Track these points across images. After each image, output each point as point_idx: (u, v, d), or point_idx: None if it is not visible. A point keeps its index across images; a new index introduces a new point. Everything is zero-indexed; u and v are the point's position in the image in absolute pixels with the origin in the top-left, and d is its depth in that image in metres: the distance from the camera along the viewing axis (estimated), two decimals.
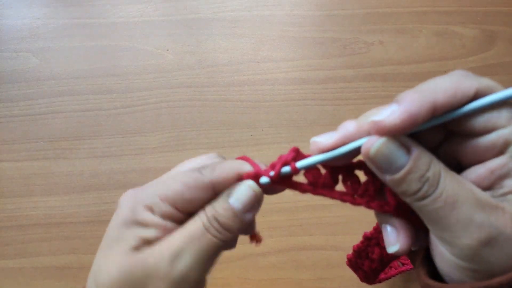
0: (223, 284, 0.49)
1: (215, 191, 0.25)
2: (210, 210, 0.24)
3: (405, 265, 0.45)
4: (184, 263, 0.23)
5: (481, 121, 0.20)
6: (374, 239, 0.33)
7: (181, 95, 0.58)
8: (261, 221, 0.49)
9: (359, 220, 0.51)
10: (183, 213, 0.25)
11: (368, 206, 0.24)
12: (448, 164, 0.21)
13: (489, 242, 0.19)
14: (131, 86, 0.58)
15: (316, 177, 0.25)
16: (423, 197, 0.20)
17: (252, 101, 0.57)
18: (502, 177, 0.20)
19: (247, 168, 0.25)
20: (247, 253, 0.50)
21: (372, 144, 0.21)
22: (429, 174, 0.20)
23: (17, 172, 0.55)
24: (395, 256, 0.29)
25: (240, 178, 0.25)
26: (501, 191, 0.20)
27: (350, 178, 0.25)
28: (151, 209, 0.24)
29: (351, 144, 0.22)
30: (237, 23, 0.61)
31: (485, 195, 0.20)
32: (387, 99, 0.57)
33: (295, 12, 0.61)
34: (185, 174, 0.25)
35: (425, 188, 0.20)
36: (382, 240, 0.25)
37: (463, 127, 0.21)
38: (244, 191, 0.24)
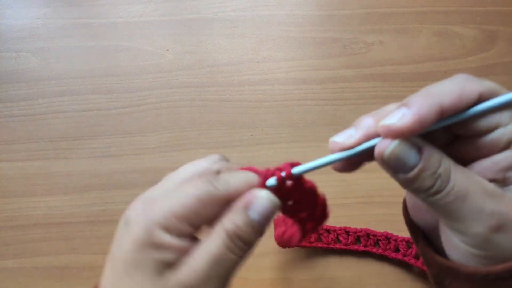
0: None
1: (229, 204, 0.24)
2: (230, 226, 0.23)
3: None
4: None
5: (484, 122, 0.21)
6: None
7: (181, 95, 0.58)
8: None
9: (359, 220, 0.51)
10: (195, 228, 0.24)
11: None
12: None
13: (500, 228, 0.21)
14: (131, 86, 0.58)
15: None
16: (436, 193, 0.21)
17: (252, 101, 0.57)
18: (506, 169, 0.21)
19: (256, 179, 0.25)
20: None
21: (385, 147, 0.21)
22: (441, 170, 0.21)
23: (17, 172, 0.55)
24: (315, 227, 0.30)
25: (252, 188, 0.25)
26: (505, 182, 0.22)
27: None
28: (167, 229, 0.23)
29: (366, 143, 0.22)
30: (237, 23, 0.61)
31: (492, 186, 0.21)
32: (387, 99, 0.57)
33: (295, 12, 0.61)
34: (196, 187, 0.24)
35: (438, 183, 0.21)
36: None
37: (468, 128, 0.22)
38: (264, 203, 0.24)
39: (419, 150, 0.21)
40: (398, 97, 0.57)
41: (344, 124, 0.56)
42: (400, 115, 0.21)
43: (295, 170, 0.24)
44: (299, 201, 0.26)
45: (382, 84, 0.58)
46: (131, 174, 0.54)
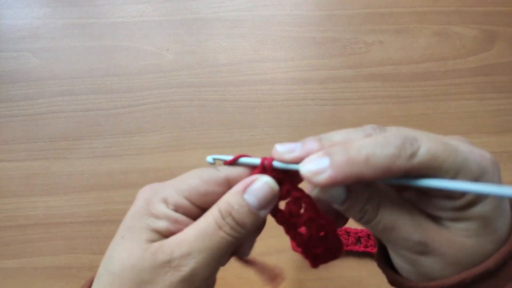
0: (223, 284, 0.49)
1: (230, 186, 0.25)
2: (224, 205, 0.24)
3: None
4: (194, 262, 0.23)
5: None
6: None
7: (181, 95, 0.58)
8: None
9: None
10: (199, 208, 0.25)
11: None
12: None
13: (424, 253, 0.23)
14: (131, 86, 0.58)
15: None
16: (366, 223, 0.23)
17: (252, 101, 0.57)
18: (442, 209, 0.23)
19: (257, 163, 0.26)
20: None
21: (311, 190, 0.23)
22: (367, 207, 0.23)
23: (17, 172, 0.55)
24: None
25: (252, 173, 0.25)
26: (441, 219, 0.23)
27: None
28: (165, 201, 0.24)
29: (296, 166, 0.23)
30: (237, 23, 0.61)
31: (423, 219, 0.23)
32: (387, 99, 0.57)
33: (295, 12, 0.61)
34: (202, 170, 0.25)
35: (366, 217, 0.23)
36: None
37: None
38: (261, 187, 0.24)
39: (348, 189, 0.23)
40: (398, 97, 0.57)
41: (344, 124, 0.56)
42: (321, 168, 0.21)
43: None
44: (294, 213, 0.25)
45: (382, 84, 0.58)
46: (131, 174, 0.54)
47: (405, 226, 0.23)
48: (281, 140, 0.56)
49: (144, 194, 0.26)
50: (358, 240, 0.49)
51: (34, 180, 0.55)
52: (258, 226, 0.26)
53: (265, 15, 0.61)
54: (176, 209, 0.24)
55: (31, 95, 0.58)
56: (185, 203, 0.24)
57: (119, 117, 0.57)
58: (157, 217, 0.24)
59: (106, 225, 0.53)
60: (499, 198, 0.22)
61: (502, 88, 0.57)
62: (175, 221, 0.24)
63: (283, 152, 0.24)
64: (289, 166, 0.23)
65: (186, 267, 0.23)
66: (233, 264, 0.53)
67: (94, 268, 0.51)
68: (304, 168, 0.21)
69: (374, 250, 0.48)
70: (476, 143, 0.23)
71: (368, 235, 0.49)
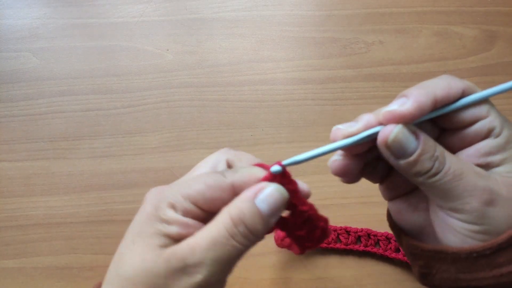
0: None
1: (235, 192, 0.25)
2: (235, 211, 0.24)
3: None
4: (207, 270, 0.23)
5: (467, 115, 0.25)
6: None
7: (181, 95, 0.58)
8: None
9: (359, 220, 0.51)
10: (205, 211, 0.25)
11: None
12: None
13: (492, 202, 0.24)
14: (131, 86, 0.58)
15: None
16: (435, 174, 0.24)
17: (252, 101, 0.57)
18: (487, 154, 0.25)
19: (262, 172, 0.26)
20: (247, 253, 0.50)
21: (389, 132, 0.24)
22: (437, 153, 0.24)
23: (17, 172, 0.55)
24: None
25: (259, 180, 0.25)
26: (488, 166, 0.25)
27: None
28: (173, 207, 0.25)
29: (367, 131, 0.25)
30: (237, 23, 0.61)
31: (479, 168, 0.25)
32: (387, 99, 0.57)
33: (295, 12, 0.61)
34: (208, 175, 0.26)
35: (436, 165, 0.24)
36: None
37: (454, 121, 0.25)
38: (272, 193, 0.24)
39: (417, 136, 0.24)
40: None
41: None
42: (401, 103, 0.24)
43: (299, 157, 0.26)
44: (297, 222, 0.27)
45: (382, 84, 0.58)
46: (131, 174, 0.54)
47: (470, 173, 0.24)
48: (281, 140, 0.56)
49: (151, 199, 0.26)
50: (358, 239, 0.49)
51: (34, 180, 0.55)
52: (266, 234, 0.26)
53: (265, 15, 0.61)
54: (185, 214, 0.24)
55: (31, 95, 0.58)
56: (192, 208, 0.25)
57: (119, 117, 0.57)
58: (168, 222, 0.24)
59: (107, 225, 0.53)
60: None
61: None
62: (186, 226, 0.24)
63: (346, 127, 0.25)
64: (358, 136, 0.25)
65: (200, 275, 0.23)
66: None
67: (94, 268, 0.51)
68: (388, 108, 0.24)
69: (374, 249, 0.48)
70: None
71: (368, 234, 0.49)
